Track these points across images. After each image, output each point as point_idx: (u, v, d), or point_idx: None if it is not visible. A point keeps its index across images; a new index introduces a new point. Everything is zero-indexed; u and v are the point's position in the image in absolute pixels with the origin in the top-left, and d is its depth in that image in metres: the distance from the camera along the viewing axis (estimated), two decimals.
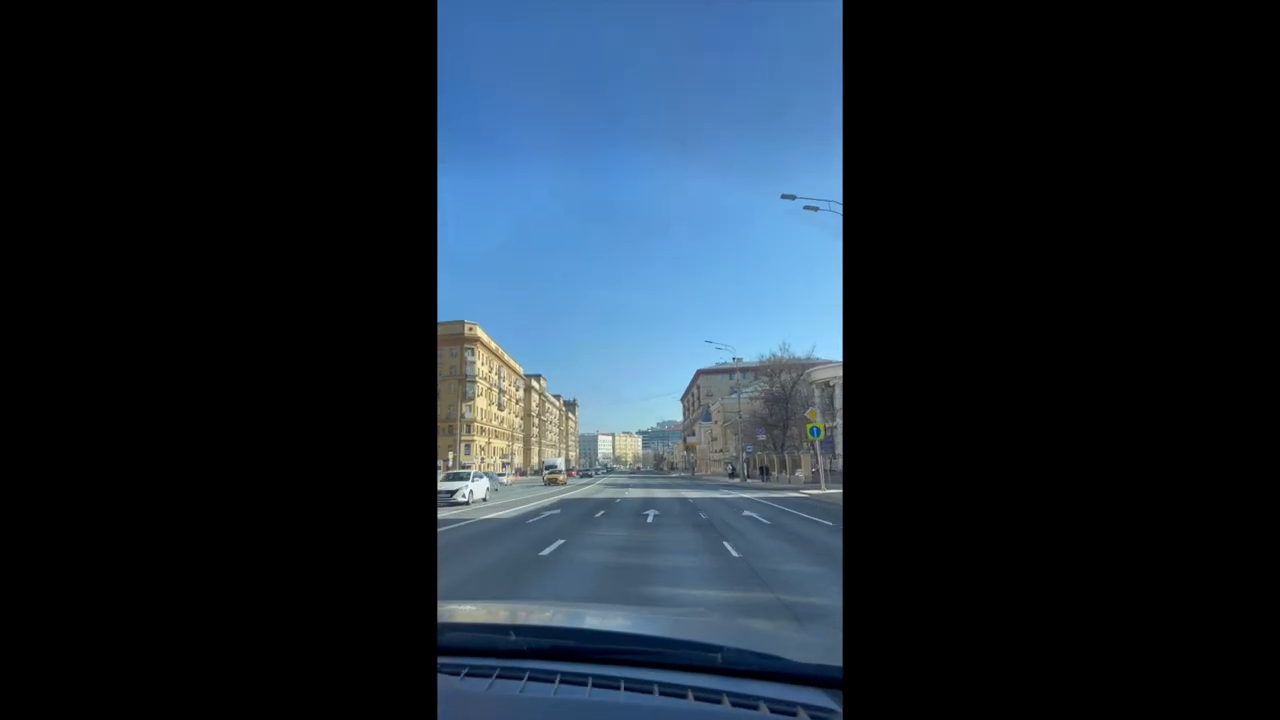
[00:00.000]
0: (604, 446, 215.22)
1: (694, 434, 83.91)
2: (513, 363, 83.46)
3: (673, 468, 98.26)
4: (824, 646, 0.95)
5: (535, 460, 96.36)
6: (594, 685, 0.80)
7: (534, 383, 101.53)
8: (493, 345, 68.67)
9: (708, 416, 72.65)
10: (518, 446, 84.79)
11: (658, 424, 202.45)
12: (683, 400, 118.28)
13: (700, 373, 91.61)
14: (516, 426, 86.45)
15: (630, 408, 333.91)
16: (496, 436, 69.00)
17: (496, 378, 70.95)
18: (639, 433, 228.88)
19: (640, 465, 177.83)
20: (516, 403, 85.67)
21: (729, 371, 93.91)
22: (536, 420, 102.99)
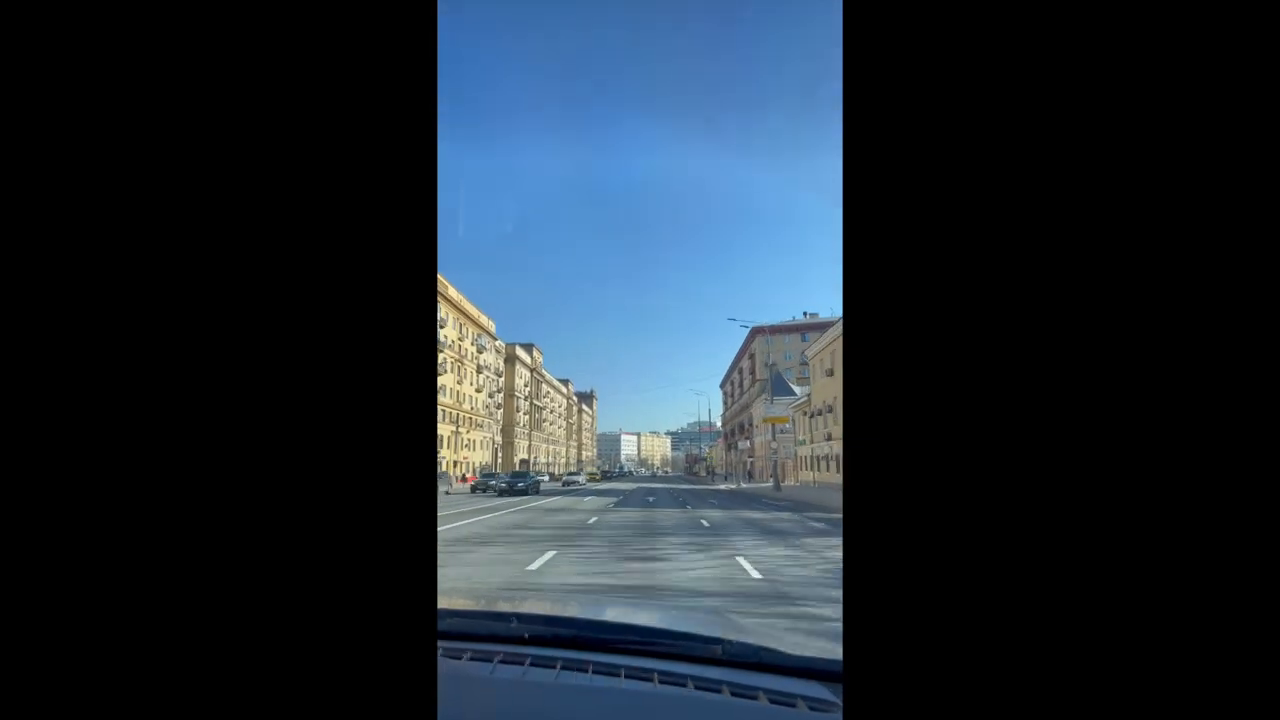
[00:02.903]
0: (628, 447, 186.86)
1: (745, 427, 54.08)
2: (472, 309, 54.44)
3: (711, 473, 68.03)
4: (820, 646, 0.96)
5: (519, 460, 67.69)
6: (594, 672, 0.82)
7: (523, 353, 72.48)
8: None
9: (782, 388, 42.67)
10: (480, 436, 55.70)
11: (688, 424, 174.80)
12: (723, 386, 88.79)
13: (757, 332, 61.84)
14: (483, 407, 57.36)
15: (658, 403, 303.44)
16: None
17: None
18: (668, 433, 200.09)
19: (668, 469, 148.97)
20: (480, 371, 56.53)
21: (802, 329, 64.93)
22: (526, 404, 74.15)
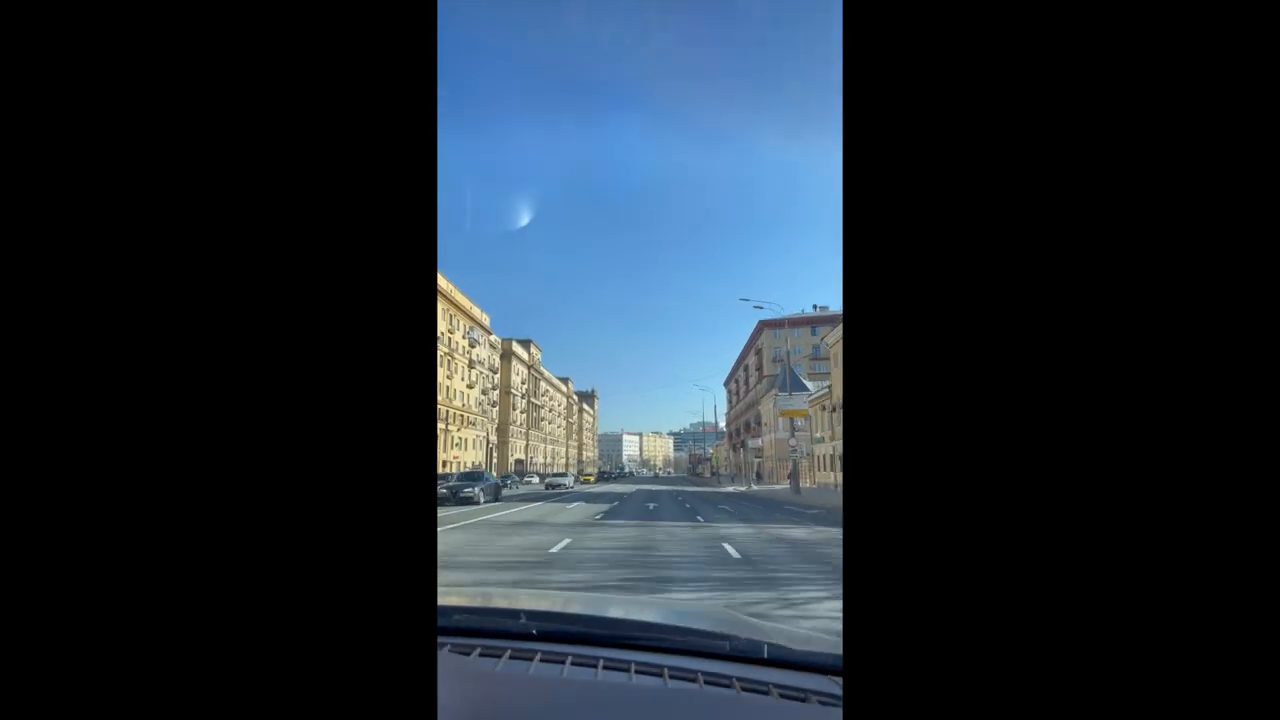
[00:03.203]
0: (629, 447, 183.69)
1: (752, 425, 50.33)
2: (464, 300, 51.28)
3: (715, 474, 64.60)
4: (829, 641, 0.96)
5: (514, 460, 64.41)
6: (604, 668, 0.82)
7: (520, 349, 69.26)
8: None
9: (794, 384, 39.19)
10: (472, 434, 52.50)
11: (692, 424, 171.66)
12: (728, 385, 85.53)
13: (765, 325, 58.54)
14: (475, 404, 54.18)
15: (660, 404, 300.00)
16: None
17: None
18: (670, 434, 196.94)
19: (670, 470, 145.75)
20: (472, 365, 53.35)
21: (812, 322, 61.17)
22: (523, 402, 70.84)
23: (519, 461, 60.87)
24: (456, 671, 0.78)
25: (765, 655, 0.86)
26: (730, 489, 33.02)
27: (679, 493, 27.67)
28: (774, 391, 42.89)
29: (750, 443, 39.08)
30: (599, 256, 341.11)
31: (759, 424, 55.13)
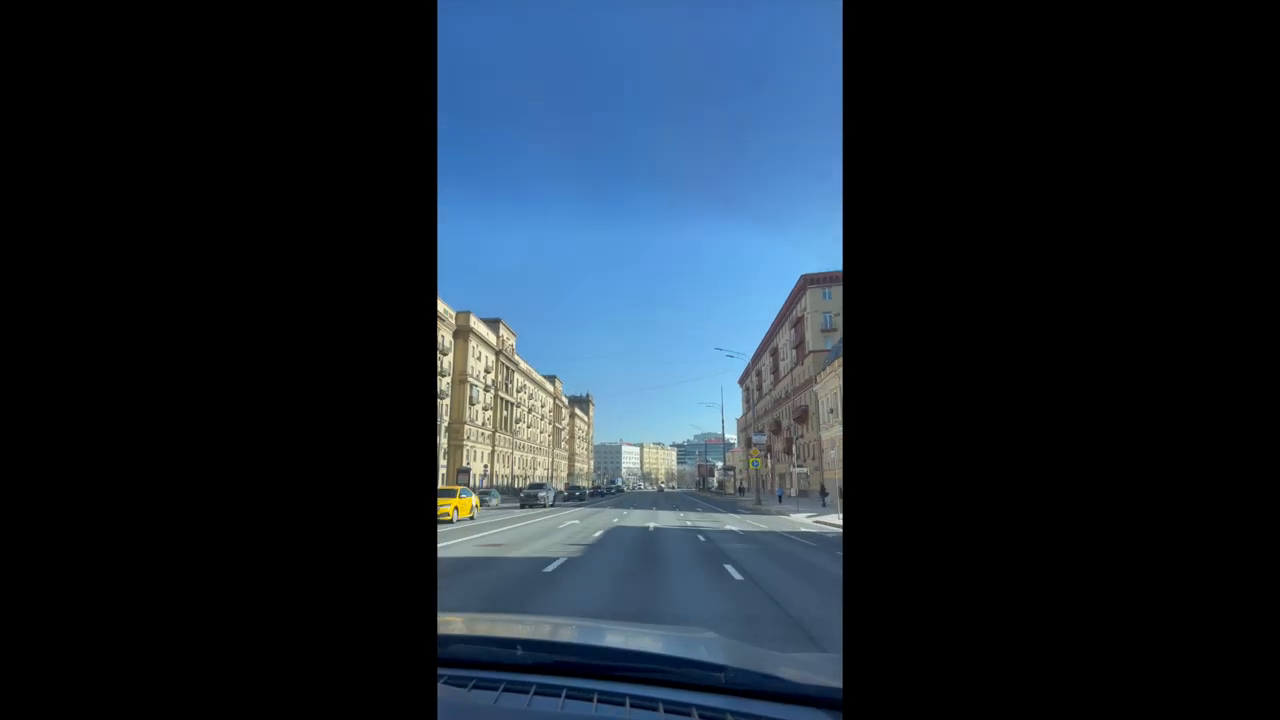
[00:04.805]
0: (629, 459, 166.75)
1: (783, 427, 34.29)
2: None
3: (742, 491, 48.13)
4: (825, 670, 0.97)
5: (459, 470, 48.03)
6: (599, 701, 0.82)
7: (482, 327, 52.85)
8: None
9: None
10: None
11: (695, 436, 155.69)
12: (743, 382, 69.38)
13: (808, 282, 42.42)
14: None
15: (664, 418, 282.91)
16: None
17: None
18: (673, 445, 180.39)
19: (674, 484, 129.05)
20: None
21: None
22: (487, 396, 54.55)
23: (464, 472, 44.46)
24: (453, 706, 0.77)
25: (759, 688, 0.87)
26: (806, 521, 16.23)
27: (706, 539, 10.92)
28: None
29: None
30: (602, 267, 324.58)
31: (801, 422, 38.94)
